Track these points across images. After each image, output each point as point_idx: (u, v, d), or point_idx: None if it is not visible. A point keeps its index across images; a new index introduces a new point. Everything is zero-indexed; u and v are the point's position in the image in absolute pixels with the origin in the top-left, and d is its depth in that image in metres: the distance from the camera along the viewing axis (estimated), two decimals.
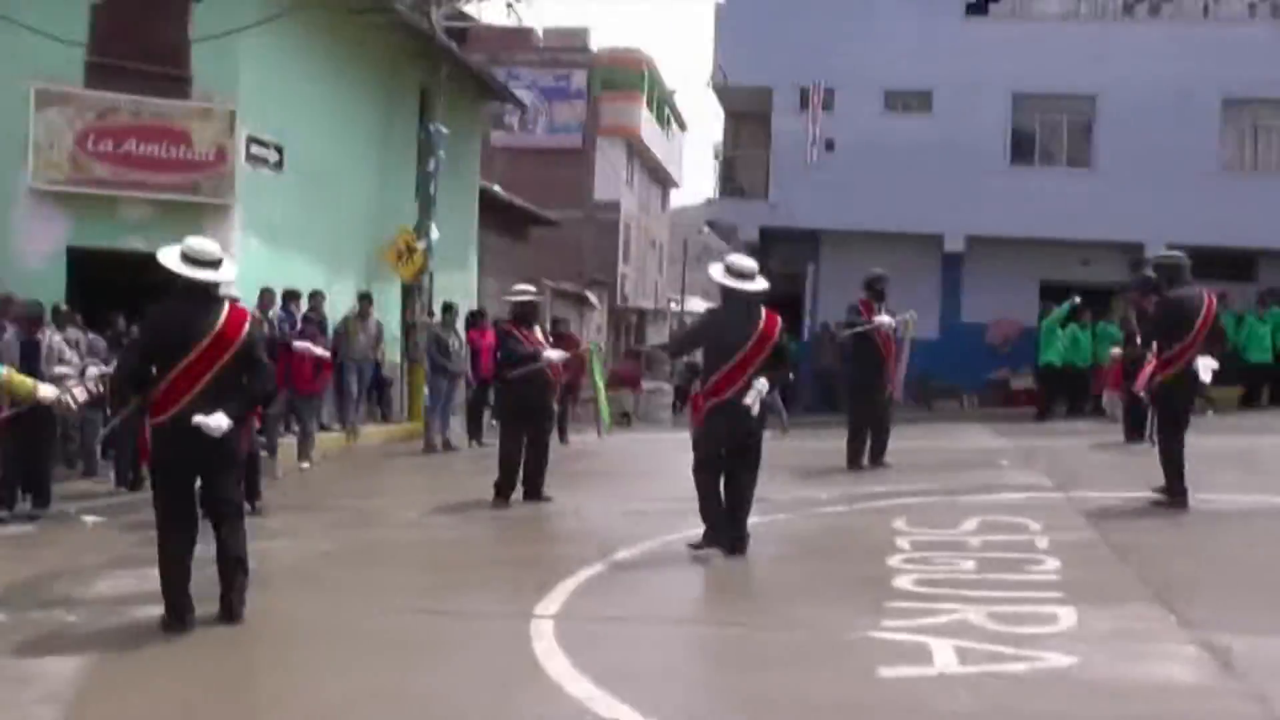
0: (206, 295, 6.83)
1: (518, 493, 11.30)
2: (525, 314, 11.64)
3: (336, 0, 16.60)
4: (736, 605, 7.52)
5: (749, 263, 9.05)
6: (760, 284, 8.83)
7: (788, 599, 7.49)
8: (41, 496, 11.06)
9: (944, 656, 5.83)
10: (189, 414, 6.55)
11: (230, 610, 6.79)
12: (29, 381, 7.80)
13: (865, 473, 12.87)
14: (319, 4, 15.99)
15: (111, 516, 10.94)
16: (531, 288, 12.23)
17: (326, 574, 8.68)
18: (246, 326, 6.82)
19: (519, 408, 11.42)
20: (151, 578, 7.04)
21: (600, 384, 11.24)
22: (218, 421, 6.57)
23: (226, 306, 6.87)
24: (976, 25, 26.03)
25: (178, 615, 6.69)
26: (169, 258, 6.82)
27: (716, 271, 8.93)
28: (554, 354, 11.47)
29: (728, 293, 8.79)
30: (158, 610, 6.79)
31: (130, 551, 9.03)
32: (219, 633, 6.71)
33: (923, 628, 6.33)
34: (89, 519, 10.88)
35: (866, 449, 13.16)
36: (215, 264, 6.84)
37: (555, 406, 11.75)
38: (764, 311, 8.76)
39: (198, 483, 6.85)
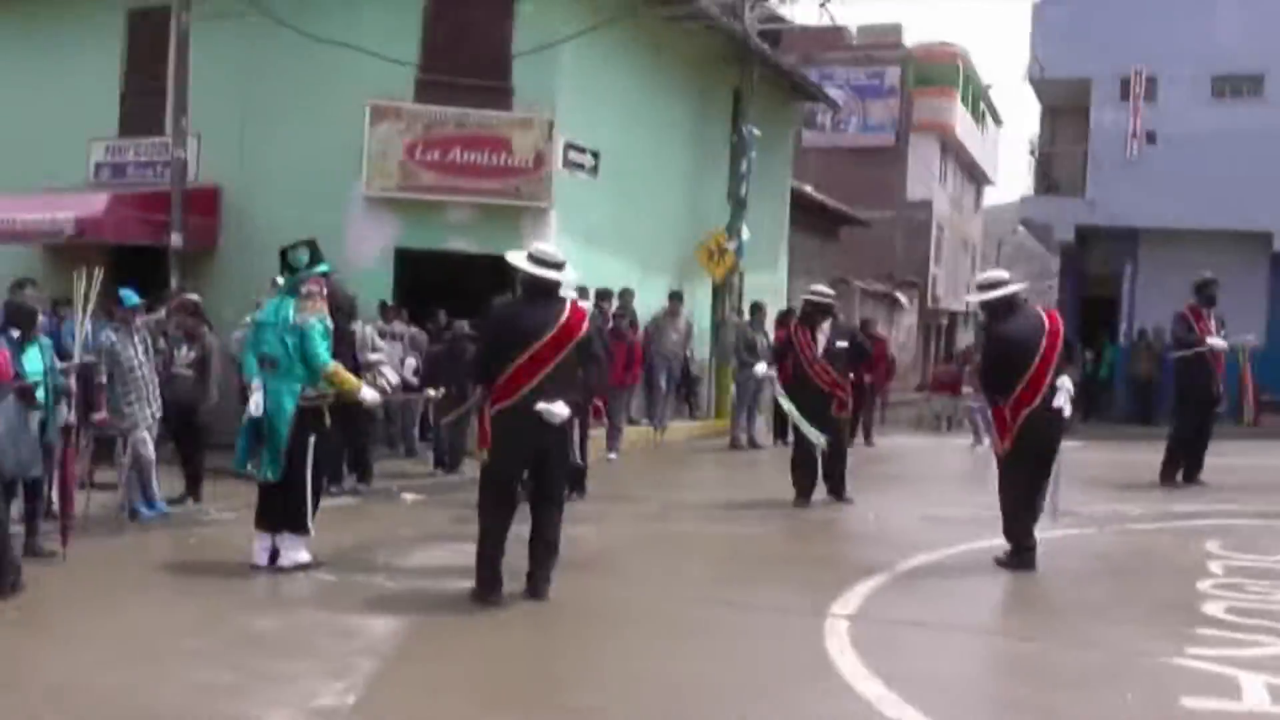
0: (550, 293, 7.31)
1: (821, 493, 11.37)
2: (811, 314, 11.66)
3: (651, 9, 17.01)
4: (1034, 619, 7.41)
5: (997, 272, 9.06)
6: (1018, 283, 8.80)
7: (1088, 617, 7.32)
8: (364, 473, 11.91)
9: (1255, 693, 5.60)
10: (529, 402, 7.03)
11: (537, 589, 7.21)
12: (354, 380, 8.49)
13: (1178, 490, 12.35)
14: (634, 14, 16.43)
15: (428, 495, 11.73)
16: (828, 289, 12.23)
17: (629, 561, 9.03)
18: (586, 323, 7.29)
19: (800, 412, 11.50)
20: (463, 553, 7.55)
21: (786, 404, 11.42)
22: (560, 409, 7.04)
23: (568, 304, 7.35)
24: None
25: (488, 589, 7.14)
26: (518, 258, 7.33)
27: (974, 298, 8.93)
28: (761, 369, 12.45)
29: (995, 308, 8.68)
30: (469, 583, 7.25)
31: (445, 528, 9.67)
32: (525, 609, 7.11)
33: (1232, 659, 6.09)
34: (408, 496, 11.68)
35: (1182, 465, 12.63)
36: (559, 265, 7.33)
37: (840, 413, 11.59)
38: (1042, 310, 8.68)
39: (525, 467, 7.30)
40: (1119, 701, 5.57)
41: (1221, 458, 13.21)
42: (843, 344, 11.51)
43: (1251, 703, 5.49)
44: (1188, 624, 6.83)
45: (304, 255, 8.12)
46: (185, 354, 10.83)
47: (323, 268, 8.19)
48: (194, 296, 11.94)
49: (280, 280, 8.48)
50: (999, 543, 8.61)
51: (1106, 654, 6.37)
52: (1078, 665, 6.21)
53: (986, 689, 6.08)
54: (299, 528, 8.06)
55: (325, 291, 8.25)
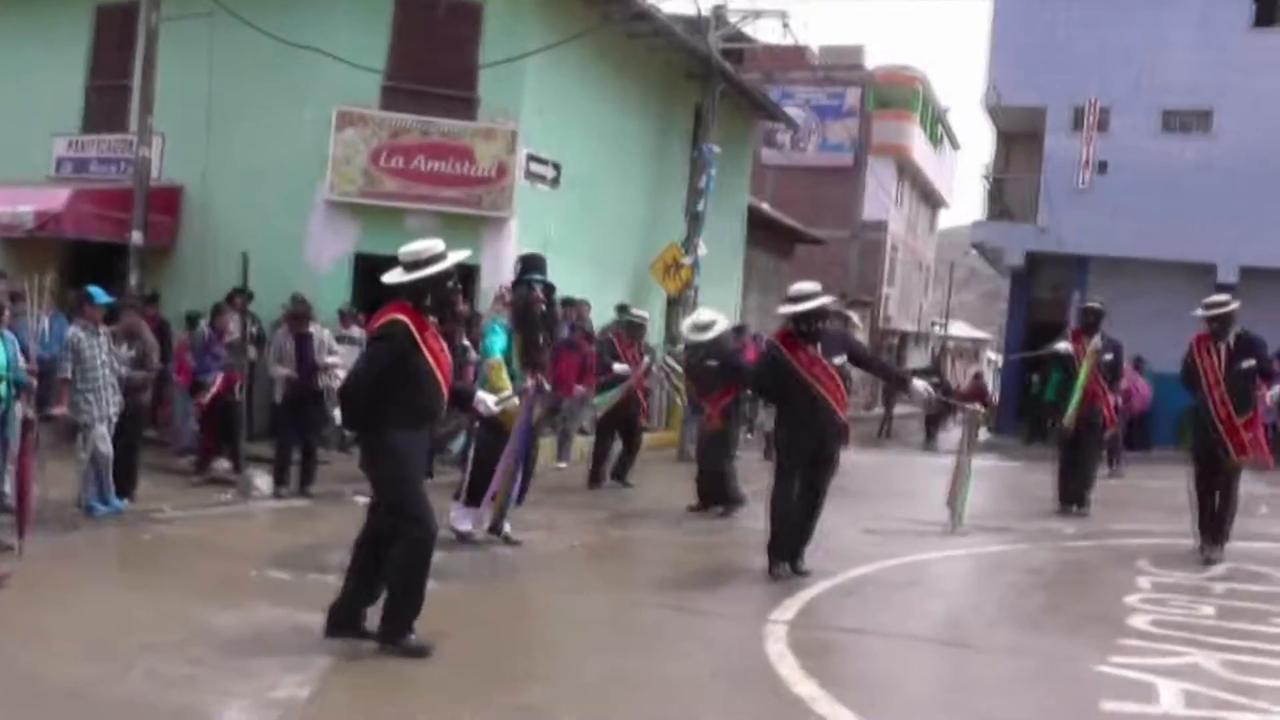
0: None
1: None
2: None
3: (615, 26, 17.26)
4: (968, 628, 7.65)
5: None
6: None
7: (1019, 626, 7.62)
8: (308, 476, 11.88)
9: (1170, 698, 5.88)
10: None
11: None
12: (505, 381, 8.99)
13: (1109, 510, 12.67)
14: (599, 30, 16.66)
15: None
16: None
17: (577, 566, 9.27)
18: None
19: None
20: None
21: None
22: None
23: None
24: (1265, 36, 24.55)
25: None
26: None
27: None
28: (621, 368, 13.68)
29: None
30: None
31: None
32: (479, 611, 7.28)
33: (1153, 667, 6.38)
34: (360, 499, 11.74)
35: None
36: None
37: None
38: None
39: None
40: (1043, 704, 5.86)
41: (1157, 480, 13.62)
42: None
43: (1166, 706, 5.76)
44: (1114, 635, 7.11)
45: (518, 266, 9.57)
46: (125, 352, 10.77)
47: (531, 277, 9.36)
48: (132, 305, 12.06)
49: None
50: (936, 555, 8.89)
51: (1034, 661, 6.66)
52: (1006, 670, 6.51)
53: (918, 692, 6.29)
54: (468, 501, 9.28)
55: (509, 299, 9.46)
